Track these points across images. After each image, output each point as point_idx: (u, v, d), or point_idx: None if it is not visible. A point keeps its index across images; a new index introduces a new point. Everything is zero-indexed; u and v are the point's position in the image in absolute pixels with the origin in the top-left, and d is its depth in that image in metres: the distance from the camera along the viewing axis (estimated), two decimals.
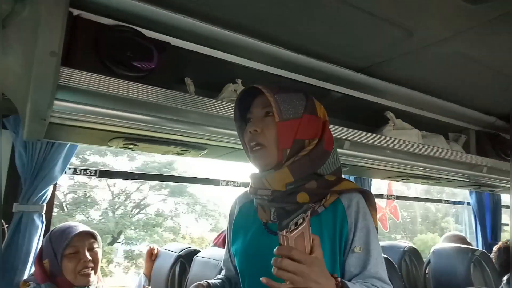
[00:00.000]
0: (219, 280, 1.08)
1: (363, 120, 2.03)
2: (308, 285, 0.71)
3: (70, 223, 1.47)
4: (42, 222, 1.56)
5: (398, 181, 2.42)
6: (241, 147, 1.52)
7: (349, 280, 0.86)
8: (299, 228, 0.72)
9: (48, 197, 1.60)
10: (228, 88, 1.54)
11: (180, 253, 1.56)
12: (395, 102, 1.99)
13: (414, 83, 1.87)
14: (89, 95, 1.10)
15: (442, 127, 2.28)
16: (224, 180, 2.12)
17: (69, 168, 1.72)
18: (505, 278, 1.06)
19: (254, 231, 0.98)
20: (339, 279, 0.79)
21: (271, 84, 0.98)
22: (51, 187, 1.60)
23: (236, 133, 1.37)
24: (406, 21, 1.31)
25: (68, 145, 1.61)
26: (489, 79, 1.82)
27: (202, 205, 7.86)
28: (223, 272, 1.14)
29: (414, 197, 4.08)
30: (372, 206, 0.97)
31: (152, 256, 1.74)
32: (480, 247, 3.25)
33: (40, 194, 1.55)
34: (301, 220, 0.72)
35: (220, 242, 1.87)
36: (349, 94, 1.79)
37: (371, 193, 1.00)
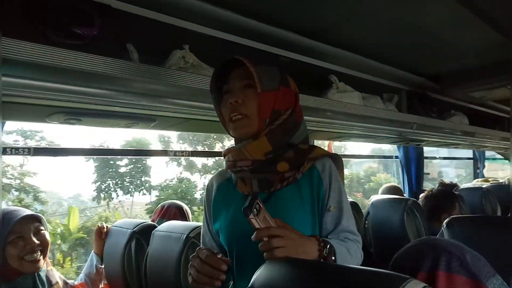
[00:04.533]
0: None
1: (308, 83, 2.06)
2: (297, 250, 0.78)
3: (9, 207, 1.34)
4: None
5: (340, 140, 2.55)
6: (191, 117, 1.51)
7: (326, 236, 0.95)
8: (261, 212, 0.76)
9: None
10: (175, 54, 1.45)
11: (134, 229, 1.50)
12: (338, 65, 2.05)
13: (356, 47, 1.93)
14: (26, 67, 0.96)
15: (378, 88, 2.41)
16: (171, 150, 2.06)
17: None
18: (444, 222, 1.21)
19: (237, 205, 0.99)
20: (317, 236, 0.88)
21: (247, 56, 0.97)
22: None
23: (187, 102, 1.35)
24: None
25: None
26: (422, 43, 1.95)
27: None
28: None
29: (351, 155, 4.37)
30: (340, 168, 1.06)
31: (102, 234, 1.67)
32: (407, 194, 3.61)
33: None
34: (258, 206, 0.76)
35: (161, 215, 1.85)
36: (296, 58, 1.80)
37: (339, 156, 1.09)
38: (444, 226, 1.20)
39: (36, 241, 1.31)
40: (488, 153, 5.45)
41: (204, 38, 1.51)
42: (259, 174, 0.96)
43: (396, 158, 3.86)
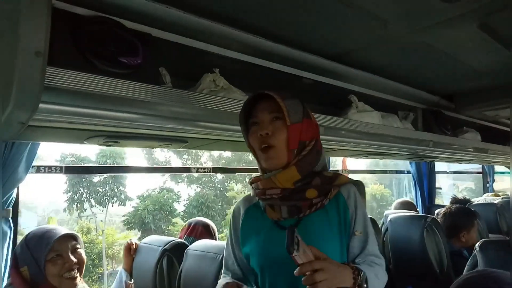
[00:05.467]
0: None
1: (329, 103, 2.12)
2: (337, 280, 0.84)
3: (47, 226, 1.39)
4: (10, 228, 1.44)
5: (357, 158, 2.59)
6: (221, 138, 1.55)
7: (352, 259, 1.00)
8: (300, 246, 0.79)
9: (14, 200, 1.47)
10: (206, 78, 1.50)
11: (165, 246, 1.53)
12: (357, 85, 2.10)
13: (376, 69, 1.99)
14: (75, 95, 1.01)
15: (394, 106, 2.46)
16: (194, 167, 2.11)
17: (32, 167, 1.59)
18: (477, 245, 1.24)
19: (267, 230, 1.04)
20: (351, 264, 0.93)
21: (273, 90, 1.02)
22: (15, 189, 1.48)
23: (217, 125, 1.40)
24: (383, 12, 1.38)
25: (31, 142, 1.48)
26: (440, 64, 2.00)
27: None
28: (227, 277, 1.13)
29: (365, 170, 4.40)
30: (362, 195, 1.13)
31: (130, 251, 1.70)
32: (420, 209, 3.62)
33: (5, 198, 1.42)
34: (297, 239, 0.79)
35: (188, 233, 1.88)
36: (318, 80, 1.86)
37: (362, 183, 1.14)
38: (477, 249, 1.23)
39: (74, 259, 1.34)
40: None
41: (232, 61, 1.56)
42: (288, 201, 1.01)
43: (408, 173, 3.88)
